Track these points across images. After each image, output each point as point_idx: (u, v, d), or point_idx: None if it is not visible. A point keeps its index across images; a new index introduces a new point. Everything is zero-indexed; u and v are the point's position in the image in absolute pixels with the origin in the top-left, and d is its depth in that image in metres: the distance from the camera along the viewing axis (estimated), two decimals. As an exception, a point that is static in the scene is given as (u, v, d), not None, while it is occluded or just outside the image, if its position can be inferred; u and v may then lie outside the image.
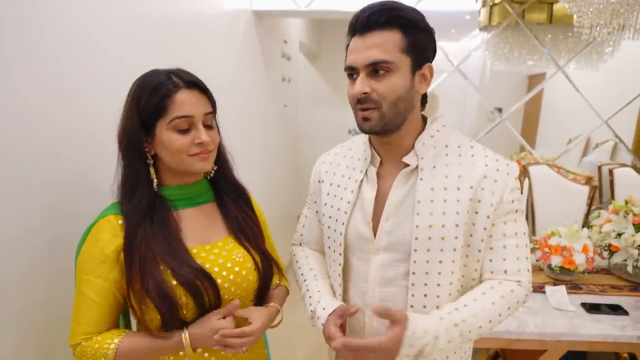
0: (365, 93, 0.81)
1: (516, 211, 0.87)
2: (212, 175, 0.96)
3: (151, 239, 0.83)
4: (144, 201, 0.84)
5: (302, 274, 1.03)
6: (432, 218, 0.84)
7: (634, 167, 2.77)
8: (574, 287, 1.67)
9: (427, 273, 0.85)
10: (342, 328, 0.88)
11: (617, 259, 1.74)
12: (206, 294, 0.85)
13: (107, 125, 1.16)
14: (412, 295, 0.86)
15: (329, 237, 0.96)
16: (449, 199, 0.84)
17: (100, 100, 1.14)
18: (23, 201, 0.92)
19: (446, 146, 0.88)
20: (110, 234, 0.83)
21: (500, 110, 3.11)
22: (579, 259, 1.64)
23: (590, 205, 2.55)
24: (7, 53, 0.86)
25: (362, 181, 0.91)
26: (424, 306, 0.86)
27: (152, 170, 0.87)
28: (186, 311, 0.85)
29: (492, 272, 0.88)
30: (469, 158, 0.87)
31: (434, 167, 0.86)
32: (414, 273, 0.85)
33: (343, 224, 0.92)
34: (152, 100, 0.82)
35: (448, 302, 0.87)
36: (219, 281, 0.87)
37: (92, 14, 1.11)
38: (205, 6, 1.89)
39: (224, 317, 0.85)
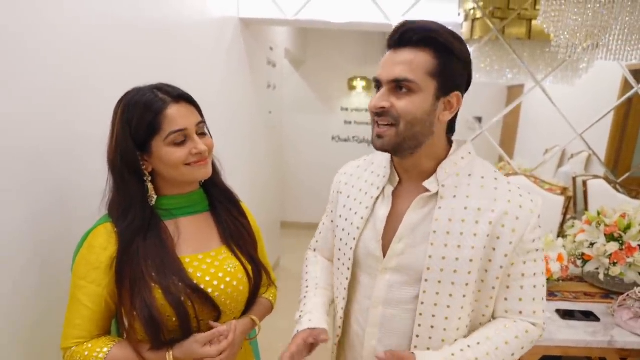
0: (383, 107, 0.80)
1: (537, 250, 0.85)
2: (201, 182, 0.98)
3: (143, 256, 0.85)
4: (137, 220, 0.86)
5: (306, 280, 1.08)
6: (447, 250, 0.82)
7: (606, 178, 2.90)
8: (549, 295, 1.74)
9: (436, 305, 0.83)
10: (311, 348, 0.93)
11: (589, 267, 1.82)
12: (195, 313, 0.87)
13: (93, 131, 1.17)
14: (419, 325, 0.85)
15: (339, 250, 0.96)
16: (466, 233, 0.81)
17: (86, 107, 1.15)
18: (12, 205, 0.93)
19: (469, 175, 0.85)
20: (106, 241, 0.85)
21: (480, 119, 3.22)
22: (554, 268, 1.72)
23: (565, 214, 2.66)
24: None
25: (377, 198, 0.91)
26: (430, 337, 0.85)
27: (150, 186, 0.89)
28: (173, 331, 0.87)
29: (506, 311, 0.86)
30: (492, 191, 0.83)
31: (455, 196, 0.83)
32: (422, 303, 0.84)
33: (354, 238, 0.91)
34: (144, 119, 0.83)
35: (455, 337, 0.84)
36: (209, 290, 0.89)
37: (79, 22, 1.12)
38: (192, 14, 1.91)
39: (209, 343, 0.87)
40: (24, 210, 0.96)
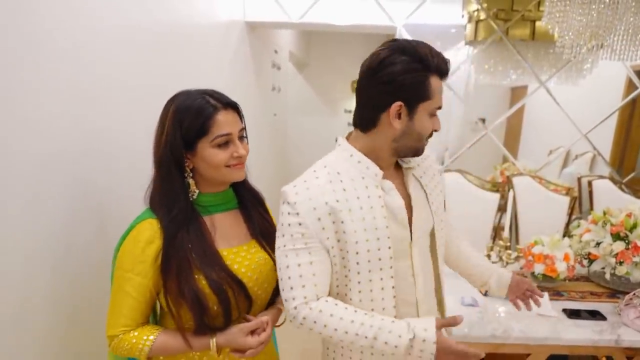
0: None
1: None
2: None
3: (187, 247, 0.92)
4: (182, 213, 0.94)
5: (352, 321, 0.91)
6: (437, 202, 1.08)
7: (612, 178, 2.91)
8: (556, 294, 1.76)
9: (442, 238, 1.11)
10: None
11: (596, 267, 1.83)
12: (235, 301, 0.95)
13: (113, 132, 1.22)
14: (440, 256, 1.10)
15: (369, 261, 0.94)
16: (437, 183, 1.10)
17: (95, 108, 1.18)
18: (40, 202, 0.98)
19: None
20: (151, 236, 0.92)
21: (483, 120, 3.23)
22: (561, 267, 1.73)
23: (570, 214, 2.67)
24: (10, 61, 0.90)
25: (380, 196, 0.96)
26: (441, 260, 1.12)
27: (192, 181, 0.97)
28: (215, 318, 0.94)
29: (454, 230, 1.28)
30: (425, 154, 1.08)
31: (417, 163, 1.05)
32: (438, 241, 1.09)
33: (388, 237, 0.95)
34: (195, 122, 0.92)
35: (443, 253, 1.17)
36: (244, 281, 0.97)
37: (88, 24, 1.15)
38: (200, 18, 1.95)
39: (251, 332, 0.95)
40: (59, 212, 1.03)
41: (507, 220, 1.84)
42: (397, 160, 1.03)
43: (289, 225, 0.93)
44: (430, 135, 0.98)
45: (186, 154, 0.95)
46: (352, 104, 5.13)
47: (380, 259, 0.95)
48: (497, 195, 2.54)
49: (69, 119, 1.07)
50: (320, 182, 0.95)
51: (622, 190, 2.86)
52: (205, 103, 0.94)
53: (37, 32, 0.95)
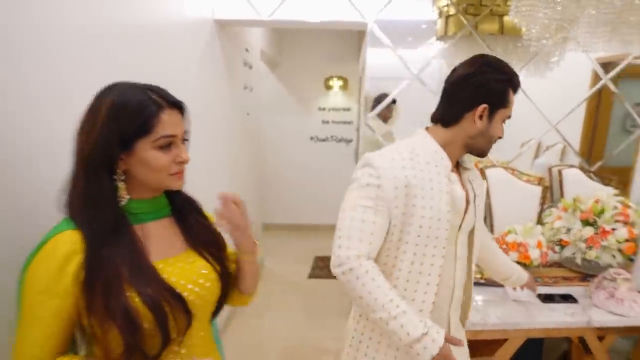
0: None
1: None
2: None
3: (116, 260, 0.81)
4: (109, 222, 0.83)
5: (386, 294, 1.03)
6: (480, 205, 1.23)
7: (581, 167, 3.05)
8: (530, 281, 1.85)
9: (478, 239, 1.26)
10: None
11: (567, 252, 1.93)
12: (174, 317, 0.85)
13: (58, 133, 1.13)
14: (475, 253, 1.26)
15: (428, 237, 1.10)
16: (482, 191, 1.25)
17: (54, 107, 1.15)
18: None
19: None
20: (71, 251, 0.80)
21: (457, 116, 3.33)
22: (534, 254, 1.82)
23: (542, 204, 2.79)
24: None
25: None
26: (475, 257, 1.27)
27: (122, 185, 0.87)
28: (151, 339, 0.84)
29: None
30: (470, 157, 1.24)
31: (470, 169, 1.24)
32: (475, 239, 1.24)
33: (448, 220, 1.11)
34: (137, 119, 0.83)
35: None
36: (185, 294, 0.88)
37: (50, 22, 1.13)
38: (167, 16, 1.94)
39: None
40: None
41: (481, 210, 1.92)
42: (457, 161, 1.21)
43: (368, 185, 1.08)
44: (495, 140, 1.17)
45: (120, 154, 0.84)
46: (326, 101, 5.18)
47: (437, 238, 1.10)
48: (471, 188, 2.62)
49: (30, 120, 1.04)
50: (403, 158, 1.11)
51: (591, 178, 3.01)
52: (148, 99, 0.84)
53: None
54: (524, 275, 1.51)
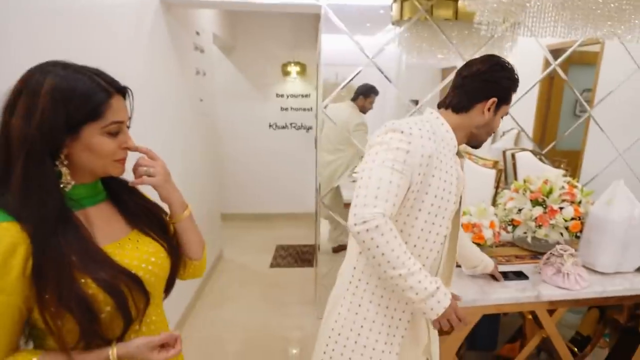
0: None
1: None
2: None
3: (64, 248, 0.80)
4: (54, 209, 0.81)
5: (405, 252, 1.11)
6: (464, 195, 1.36)
7: (533, 151, 3.19)
8: (484, 260, 1.92)
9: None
10: None
11: (519, 232, 2.03)
12: (132, 298, 0.86)
13: None
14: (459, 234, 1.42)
15: (439, 207, 1.20)
16: (466, 183, 1.36)
17: None
18: None
19: None
20: (13, 243, 0.77)
21: (417, 102, 3.40)
22: (487, 234, 1.89)
23: (497, 186, 2.91)
24: None
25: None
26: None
27: (66, 170, 0.85)
28: (111, 323, 0.86)
29: None
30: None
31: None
32: (460, 222, 1.39)
33: (455, 195, 1.23)
34: (86, 104, 0.82)
35: None
36: (140, 274, 0.90)
37: None
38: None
39: (159, 347, 0.89)
40: None
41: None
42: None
43: (398, 148, 1.13)
44: (492, 133, 1.33)
45: (65, 140, 0.83)
46: (283, 88, 5.14)
47: (446, 210, 1.22)
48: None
49: None
50: (428, 130, 1.20)
51: (542, 161, 3.16)
52: (96, 85, 0.84)
53: None
54: (490, 263, 1.69)
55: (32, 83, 0.81)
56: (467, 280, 1.73)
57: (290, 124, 5.25)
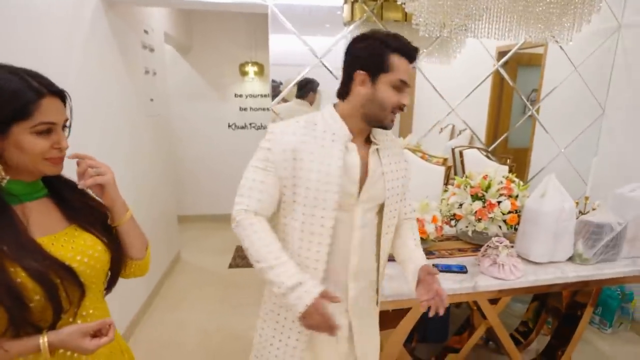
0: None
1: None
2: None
3: None
4: None
5: (269, 244, 1.15)
6: (391, 182, 1.27)
7: (480, 148, 3.30)
8: (428, 254, 1.97)
9: (390, 218, 1.32)
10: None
11: (461, 225, 2.09)
12: (64, 289, 0.88)
13: None
14: (386, 234, 1.33)
15: (315, 198, 1.18)
16: (399, 169, 1.30)
17: None
18: None
19: (386, 134, 1.30)
20: None
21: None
22: (430, 229, 1.94)
23: (447, 183, 2.99)
24: None
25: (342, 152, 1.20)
26: (387, 233, 1.33)
27: (0, 167, 0.88)
28: (41, 312, 0.87)
29: (405, 214, 1.45)
30: (394, 140, 1.34)
31: (386, 146, 1.28)
32: (385, 221, 1.30)
33: (338, 185, 1.17)
34: (14, 104, 0.85)
35: (392, 230, 1.37)
36: (74, 265, 0.92)
37: None
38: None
39: (93, 335, 0.91)
40: None
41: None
42: (369, 136, 1.27)
43: (261, 148, 1.22)
44: (399, 108, 1.20)
45: None
46: (242, 88, 5.10)
47: (325, 200, 1.18)
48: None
49: None
50: (297, 126, 1.22)
51: (489, 158, 3.28)
52: (26, 86, 0.86)
53: None
54: (418, 264, 1.35)
55: None
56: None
57: (250, 124, 5.22)
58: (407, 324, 1.77)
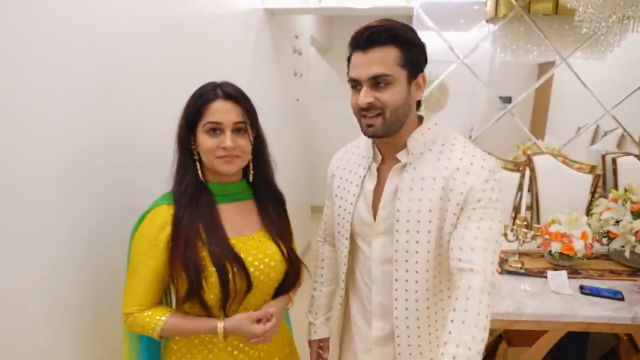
0: (369, 103, 0.89)
1: (489, 200, 0.89)
2: (251, 177, 1.05)
3: (195, 220, 0.94)
4: (191, 186, 0.96)
5: (320, 275, 1.26)
6: (410, 204, 0.93)
7: (638, 156, 2.76)
8: (573, 272, 1.71)
9: (407, 251, 0.94)
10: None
11: (615, 245, 1.77)
12: (233, 278, 0.93)
13: (129, 123, 1.23)
14: (396, 270, 0.97)
15: (338, 224, 1.09)
16: (425, 188, 0.92)
17: (121, 98, 1.19)
18: (66, 195, 1.00)
19: (433, 143, 0.95)
20: (164, 222, 0.94)
21: (510, 99, 3.12)
22: (578, 245, 1.68)
23: (594, 193, 2.57)
24: (35, 55, 0.91)
25: (364, 176, 1.02)
26: (406, 280, 0.96)
27: (197, 164, 0.99)
28: (209, 290, 0.93)
29: (453, 258, 0.88)
30: (448, 153, 0.94)
31: (420, 161, 0.94)
32: (396, 251, 0.95)
33: (349, 213, 1.03)
34: (194, 106, 0.95)
35: (426, 277, 0.95)
36: (250, 269, 0.97)
37: (110, 15, 1.15)
38: (219, 6, 1.94)
39: (258, 321, 0.97)
40: (90, 200, 1.08)
41: (523, 199, 1.79)
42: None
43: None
44: (365, 109, 0.90)
45: (191, 138, 0.97)
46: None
47: (343, 227, 1.06)
48: (517, 175, 2.46)
49: (90, 115, 1.07)
50: (343, 150, 1.14)
51: (650, 167, 2.72)
52: (209, 90, 0.95)
53: (50, 32, 0.94)
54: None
55: None
56: (552, 294, 1.56)
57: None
58: (543, 346, 1.57)
